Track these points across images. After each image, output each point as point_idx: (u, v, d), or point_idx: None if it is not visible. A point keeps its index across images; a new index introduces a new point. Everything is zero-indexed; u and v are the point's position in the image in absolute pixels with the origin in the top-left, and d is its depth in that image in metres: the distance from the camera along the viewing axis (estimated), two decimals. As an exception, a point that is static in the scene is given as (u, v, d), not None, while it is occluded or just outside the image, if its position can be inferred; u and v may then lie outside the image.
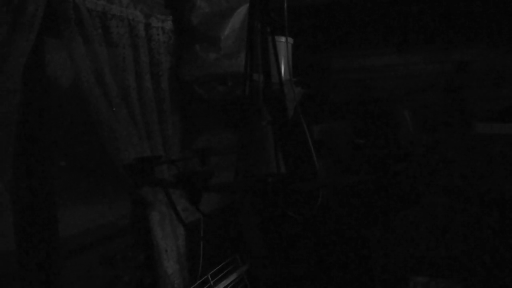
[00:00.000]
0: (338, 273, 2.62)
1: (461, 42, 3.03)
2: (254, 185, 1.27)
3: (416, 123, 3.06)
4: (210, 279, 2.00)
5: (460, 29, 2.96)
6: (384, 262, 2.56)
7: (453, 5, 2.87)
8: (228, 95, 2.23)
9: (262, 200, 1.51)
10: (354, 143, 2.95)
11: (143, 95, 2.01)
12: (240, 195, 2.24)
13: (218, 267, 2.12)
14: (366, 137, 2.99)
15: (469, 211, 2.58)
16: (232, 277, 2.13)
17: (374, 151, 2.55)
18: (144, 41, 2.04)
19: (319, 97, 3.42)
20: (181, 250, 2.22)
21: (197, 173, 1.03)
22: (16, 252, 1.67)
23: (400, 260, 2.54)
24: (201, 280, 2.01)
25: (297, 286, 2.53)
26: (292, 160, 1.54)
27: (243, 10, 2.29)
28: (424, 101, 3.29)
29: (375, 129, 3.10)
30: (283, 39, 1.98)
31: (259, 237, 2.58)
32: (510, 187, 2.53)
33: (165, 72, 2.16)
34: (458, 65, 3.16)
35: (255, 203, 2.26)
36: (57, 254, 1.78)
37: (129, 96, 1.92)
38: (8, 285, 1.69)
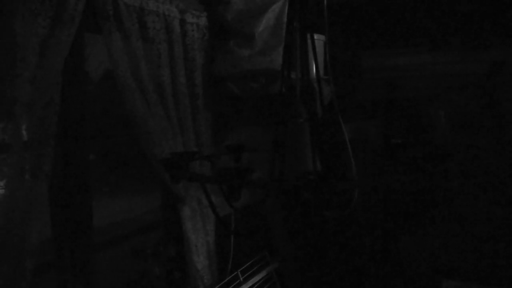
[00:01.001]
0: (367, 274, 2.58)
1: (496, 41, 2.94)
2: (293, 183, 1.26)
3: (449, 124, 3.00)
4: (240, 275, 2.00)
5: (495, 28, 2.88)
6: (415, 265, 2.52)
7: (488, 3, 2.79)
8: (261, 92, 2.23)
9: (295, 198, 1.50)
10: (390, 143, 2.90)
11: (177, 91, 2.02)
12: (273, 193, 2.22)
13: (247, 264, 2.12)
14: (401, 137, 2.93)
15: (504, 215, 2.51)
16: (262, 274, 2.12)
17: (412, 151, 2.51)
18: (179, 37, 2.05)
19: (348, 95, 3.38)
20: (211, 246, 2.23)
21: (237, 169, 1.03)
22: (53, 241, 1.71)
23: (432, 263, 2.49)
24: (230, 277, 2.02)
25: (325, 285, 2.51)
26: (325, 159, 1.52)
27: (277, 7, 2.28)
28: (457, 102, 3.21)
29: (408, 129, 3.04)
30: (317, 36, 1.95)
31: (287, 235, 2.57)
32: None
33: (199, 68, 2.17)
34: (493, 65, 3.07)
35: (285, 201, 2.25)
36: (91, 244, 1.81)
37: (164, 91, 1.94)
38: (45, 273, 1.73)
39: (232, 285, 1.98)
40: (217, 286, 1.97)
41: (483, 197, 2.58)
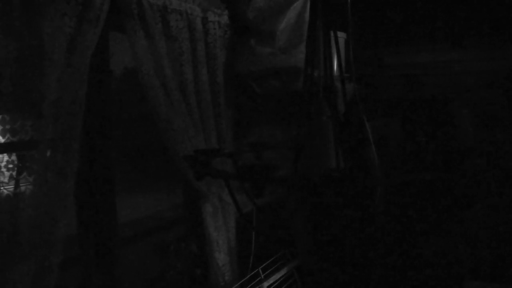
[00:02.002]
0: (388, 273, 2.56)
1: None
2: (316, 180, 1.26)
3: (474, 122, 2.95)
4: (261, 272, 2.01)
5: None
6: (437, 265, 2.48)
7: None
8: (282, 89, 2.23)
9: (317, 196, 1.50)
10: (414, 141, 2.87)
11: (200, 89, 2.04)
12: (295, 190, 2.22)
13: (268, 261, 2.12)
14: (425, 135, 2.90)
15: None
16: (282, 272, 2.13)
17: (437, 150, 2.48)
18: (202, 35, 2.06)
19: (369, 93, 3.35)
20: (232, 242, 2.24)
21: (262, 166, 1.03)
22: (78, 236, 1.74)
23: (454, 263, 2.45)
24: (252, 274, 2.03)
25: (346, 285, 2.50)
26: (348, 156, 1.51)
27: (299, 4, 2.28)
28: (482, 99, 3.16)
29: (431, 127, 3.00)
30: (339, 33, 1.94)
31: (308, 233, 2.57)
32: None
33: (221, 66, 2.18)
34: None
35: (307, 199, 2.24)
36: (115, 240, 1.84)
37: (186, 89, 1.95)
38: (70, 267, 1.76)
39: (254, 282, 1.99)
40: (239, 283, 1.98)
41: (507, 196, 2.53)
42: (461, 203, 2.48)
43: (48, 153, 1.37)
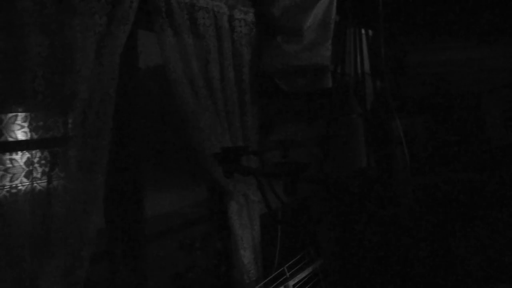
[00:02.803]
0: (414, 275, 2.52)
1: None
2: (347, 179, 1.25)
3: (504, 120, 2.88)
4: (286, 271, 2.00)
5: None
6: (467, 268, 2.43)
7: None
8: (308, 87, 2.21)
9: (346, 195, 1.49)
10: (442, 140, 2.82)
11: (226, 86, 2.04)
12: (322, 188, 2.21)
13: (293, 260, 2.12)
14: (454, 134, 2.84)
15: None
16: (307, 271, 2.12)
17: (466, 149, 2.43)
18: (228, 33, 2.07)
19: (393, 91, 3.30)
20: (256, 240, 2.24)
21: (295, 164, 1.03)
22: (106, 232, 1.76)
23: (485, 266, 2.40)
24: (277, 272, 2.02)
25: (370, 285, 2.48)
26: (378, 155, 1.49)
27: (325, 1, 2.26)
28: (510, 97, 3.09)
29: (459, 126, 2.95)
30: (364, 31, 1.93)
31: (333, 232, 2.55)
32: None
33: (246, 63, 2.18)
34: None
35: (334, 197, 2.23)
36: (143, 236, 1.86)
37: (213, 87, 1.96)
38: (98, 262, 1.78)
39: (279, 281, 1.98)
40: (265, 281, 1.98)
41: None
42: (493, 203, 2.42)
43: (79, 150, 1.39)
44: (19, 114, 1.29)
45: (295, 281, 2.02)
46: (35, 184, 1.32)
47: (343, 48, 1.68)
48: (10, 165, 1.28)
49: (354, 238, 2.41)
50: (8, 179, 1.27)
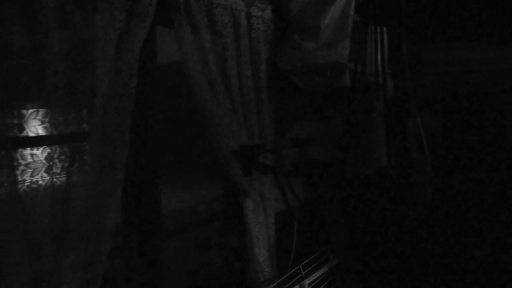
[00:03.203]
0: (429, 276, 2.50)
1: None
2: (368, 178, 1.23)
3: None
4: (301, 270, 1.99)
5: None
6: (482, 272, 2.40)
7: None
8: (326, 85, 2.20)
9: (364, 194, 1.47)
10: (462, 140, 2.78)
11: (243, 84, 2.04)
12: (338, 187, 2.19)
13: (309, 259, 2.10)
14: (474, 133, 2.80)
15: None
16: (323, 270, 2.10)
17: (486, 148, 2.40)
18: (245, 30, 2.06)
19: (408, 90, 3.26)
20: (271, 239, 2.23)
21: (317, 163, 1.02)
22: (122, 228, 1.77)
23: (501, 271, 2.36)
24: (292, 271, 2.01)
25: (386, 284, 2.46)
26: (398, 154, 1.47)
27: (344, -1, 2.24)
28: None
29: (477, 126, 2.91)
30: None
31: (349, 232, 2.54)
32: None
33: (263, 61, 2.17)
34: None
35: (351, 196, 2.21)
36: (160, 232, 1.86)
37: (230, 84, 1.96)
38: (114, 258, 1.79)
39: (295, 279, 1.98)
40: (280, 279, 1.97)
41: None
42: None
43: (99, 146, 1.40)
44: (40, 109, 1.29)
45: (310, 280, 2.01)
46: (54, 180, 1.33)
47: (362, 46, 1.66)
48: (31, 160, 1.29)
49: (371, 238, 2.39)
50: (29, 174, 1.28)
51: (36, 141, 1.30)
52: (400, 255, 2.35)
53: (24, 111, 1.27)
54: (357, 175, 1.35)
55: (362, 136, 1.39)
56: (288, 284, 1.93)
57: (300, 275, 1.98)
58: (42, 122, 1.32)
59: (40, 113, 1.30)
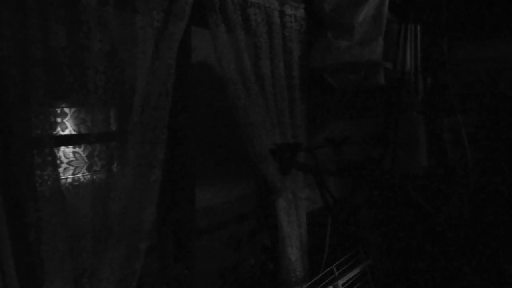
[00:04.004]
0: (464, 280, 2.43)
1: None
2: (408, 178, 1.21)
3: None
4: (335, 270, 1.98)
5: None
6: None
7: None
8: (360, 84, 2.17)
9: (402, 195, 1.44)
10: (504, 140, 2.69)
11: (276, 83, 2.03)
12: (367, 187, 2.16)
13: (342, 259, 2.08)
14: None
15: None
16: (356, 270, 2.08)
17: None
18: (279, 29, 2.05)
19: (440, 88, 3.19)
20: (304, 238, 2.23)
21: (362, 162, 1.00)
22: (157, 224, 1.79)
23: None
24: (326, 271, 2.00)
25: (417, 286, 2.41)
26: (438, 154, 1.45)
27: (378, -4, 2.21)
28: None
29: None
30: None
31: (379, 232, 2.50)
32: None
33: (296, 60, 2.16)
34: None
35: (387, 197, 2.17)
36: (193, 230, 1.88)
37: (264, 83, 1.95)
38: (148, 255, 1.81)
39: (328, 280, 1.96)
40: (315, 279, 1.96)
41: None
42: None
43: (137, 144, 1.41)
44: (82, 108, 1.32)
45: (344, 281, 1.99)
46: (95, 177, 1.35)
47: (398, 45, 1.63)
48: (73, 158, 1.32)
49: (406, 240, 2.34)
50: (71, 171, 1.31)
51: (78, 139, 1.33)
52: (436, 259, 2.30)
53: (66, 110, 1.30)
54: (395, 176, 1.32)
55: (401, 135, 1.37)
56: (322, 284, 1.92)
57: (333, 276, 1.97)
58: (83, 121, 1.34)
59: (82, 111, 1.33)
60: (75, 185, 1.31)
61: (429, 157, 1.31)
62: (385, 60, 2.15)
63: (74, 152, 1.32)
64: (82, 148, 1.33)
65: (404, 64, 1.47)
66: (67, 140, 1.33)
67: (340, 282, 1.94)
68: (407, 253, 2.39)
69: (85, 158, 1.34)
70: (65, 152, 1.32)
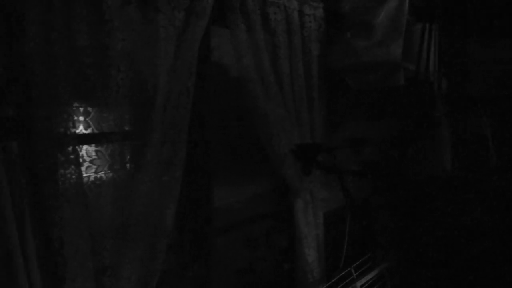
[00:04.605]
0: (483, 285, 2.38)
1: None
2: (436, 180, 1.19)
3: None
4: (353, 272, 1.96)
5: None
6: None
7: None
8: (379, 84, 2.15)
9: (422, 197, 1.41)
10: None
11: (295, 82, 2.02)
12: (386, 189, 2.13)
13: (360, 261, 2.07)
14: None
15: None
16: (374, 272, 2.06)
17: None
18: (298, 29, 2.04)
19: (456, 90, 3.15)
20: (320, 239, 2.21)
21: (382, 163, 0.99)
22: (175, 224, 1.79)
23: None
24: (344, 272, 1.98)
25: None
26: (462, 156, 1.42)
27: (397, -4, 2.18)
28: None
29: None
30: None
31: (397, 234, 2.47)
32: None
33: (315, 59, 2.15)
34: None
35: (398, 199, 2.15)
36: (212, 229, 1.87)
37: (283, 83, 1.94)
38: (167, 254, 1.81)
39: (346, 281, 1.94)
40: (333, 280, 1.95)
41: None
42: None
43: (159, 143, 1.41)
44: (104, 107, 1.32)
45: (362, 282, 1.97)
46: (116, 176, 1.35)
47: (420, 45, 1.61)
48: (95, 157, 1.32)
49: (424, 243, 2.31)
50: (93, 170, 1.31)
51: (100, 138, 1.33)
52: (454, 261, 2.26)
53: (89, 108, 1.30)
54: (417, 177, 1.30)
55: (424, 137, 1.35)
56: (341, 285, 1.90)
57: (352, 277, 1.95)
58: (106, 119, 1.34)
59: (104, 110, 1.33)
60: (97, 184, 1.31)
61: (454, 159, 1.29)
62: (405, 61, 2.12)
63: (96, 151, 1.32)
64: (104, 147, 1.33)
65: (427, 64, 1.45)
66: (89, 139, 1.33)
67: (359, 283, 1.93)
68: (425, 257, 2.36)
69: (107, 157, 1.34)
70: (88, 150, 1.32)
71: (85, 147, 1.30)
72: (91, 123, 1.30)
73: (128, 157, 1.37)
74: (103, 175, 1.33)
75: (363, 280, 1.97)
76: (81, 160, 1.26)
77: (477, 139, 1.40)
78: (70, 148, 1.20)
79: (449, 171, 1.26)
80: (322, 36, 2.21)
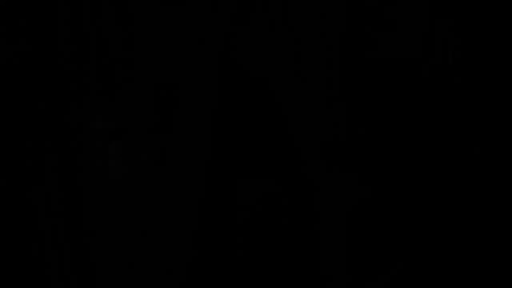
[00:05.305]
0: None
1: None
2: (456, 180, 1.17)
3: None
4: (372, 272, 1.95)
5: None
6: None
7: None
8: (399, 78, 2.13)
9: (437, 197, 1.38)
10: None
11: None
12: (407, 190, 2.11)
13: (377, 263, 2.05)
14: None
15: None
16: (389, 274, 2.04)
17: None
18: (318, 23, 2.02)
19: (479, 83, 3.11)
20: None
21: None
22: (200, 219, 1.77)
23: None
24: (363, 274, 1.97)
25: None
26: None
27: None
28: None
29: None
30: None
31: (415, 237, 2.45)
32: None
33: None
34: None
35: (418, 200, 2.11)
36: (233, 226, 1.86)
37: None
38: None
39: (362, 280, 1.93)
40: (351, 282, 1.93)
41: None
42: None
43: (182, 142, 1.40)
44: (130, 102, 1.31)
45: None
46: (141, 172, 1.35)
47: (436, 40, 1.60)
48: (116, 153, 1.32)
49: (443, 246, 2.28)
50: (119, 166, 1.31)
51: (126, 133, 1.32)
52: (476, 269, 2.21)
53: (115, 104, 1.30)
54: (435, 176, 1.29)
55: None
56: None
57: (369, 278, 1.94)
58: (127, 116, 1.34)
59: (130, 106, 1.32)
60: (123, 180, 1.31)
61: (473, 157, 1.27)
62: (424, 55, 2.10)
63: (116, 148, 1.32)
64: (129, 142, 1.32)
65: (446, 59, 1.44)
66: (111, 135, 1.33)
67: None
68: (442, 259, 2.33)
69: (132, 153, 1.33)
70: (110, 147, 1.32)
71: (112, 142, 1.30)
72: (117, 119, 1.29)
73: (152, 152, 1.36)
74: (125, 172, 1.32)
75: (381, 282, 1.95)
76: (107, 156, 1.26)
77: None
78: (98, 143, 1.20)
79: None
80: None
